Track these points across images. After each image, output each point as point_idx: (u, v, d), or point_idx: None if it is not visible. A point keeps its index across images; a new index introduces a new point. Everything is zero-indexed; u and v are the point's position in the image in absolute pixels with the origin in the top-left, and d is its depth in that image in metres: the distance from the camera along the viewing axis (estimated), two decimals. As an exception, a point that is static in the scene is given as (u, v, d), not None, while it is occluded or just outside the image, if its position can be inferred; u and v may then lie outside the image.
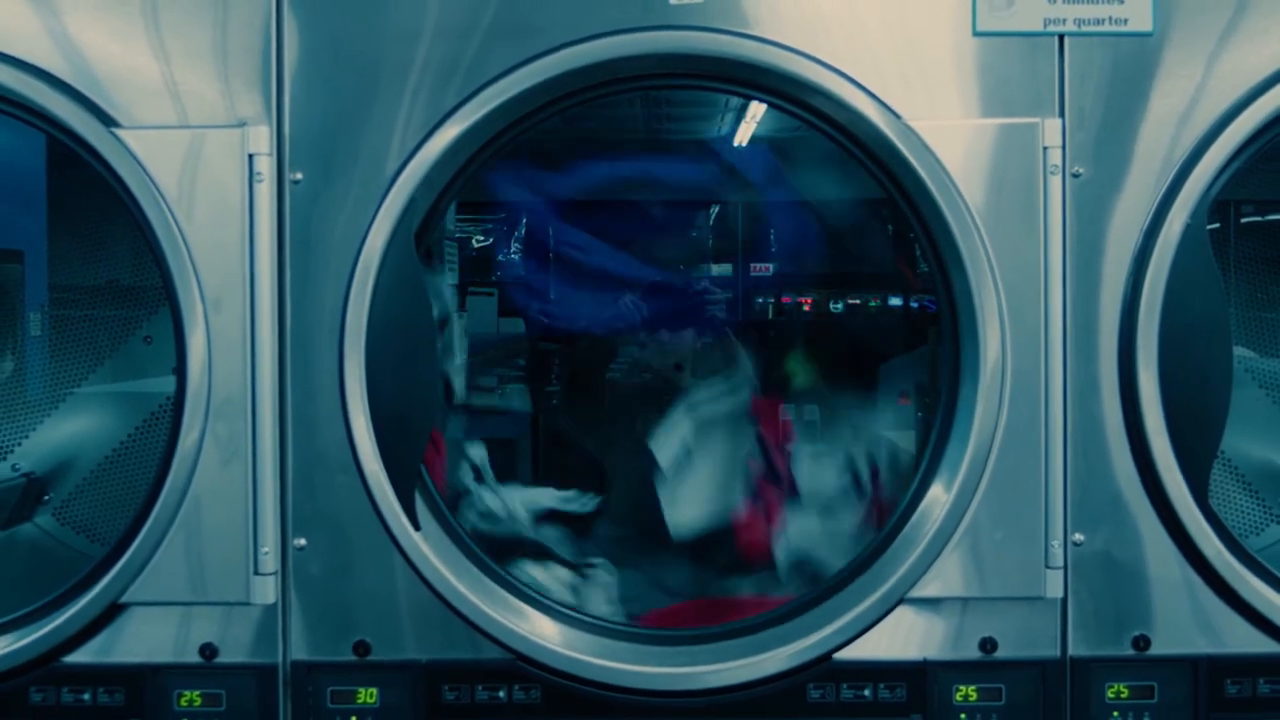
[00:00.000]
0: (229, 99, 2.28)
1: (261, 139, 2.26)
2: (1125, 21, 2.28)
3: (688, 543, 2.86)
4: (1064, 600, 2.31)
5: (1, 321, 3.03)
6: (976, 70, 2.28)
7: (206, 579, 2.28)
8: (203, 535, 2.27)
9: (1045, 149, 2.25)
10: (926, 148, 2.25)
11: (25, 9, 2.28)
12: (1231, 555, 2.28)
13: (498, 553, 2.50)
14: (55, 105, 2.25)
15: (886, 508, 2.72)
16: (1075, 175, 2.28)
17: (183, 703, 2.32)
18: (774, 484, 2.88)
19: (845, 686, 2.33)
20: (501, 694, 2.33)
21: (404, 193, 2.25)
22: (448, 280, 2.98)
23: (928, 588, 2.30)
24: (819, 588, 2.38)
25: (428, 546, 2.29)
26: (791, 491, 2.87)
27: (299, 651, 2.33)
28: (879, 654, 2.33)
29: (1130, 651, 2.32)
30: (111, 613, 2.30)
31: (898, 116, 2.25)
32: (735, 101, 3.58)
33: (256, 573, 2.28)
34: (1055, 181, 2.26)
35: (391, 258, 2.25)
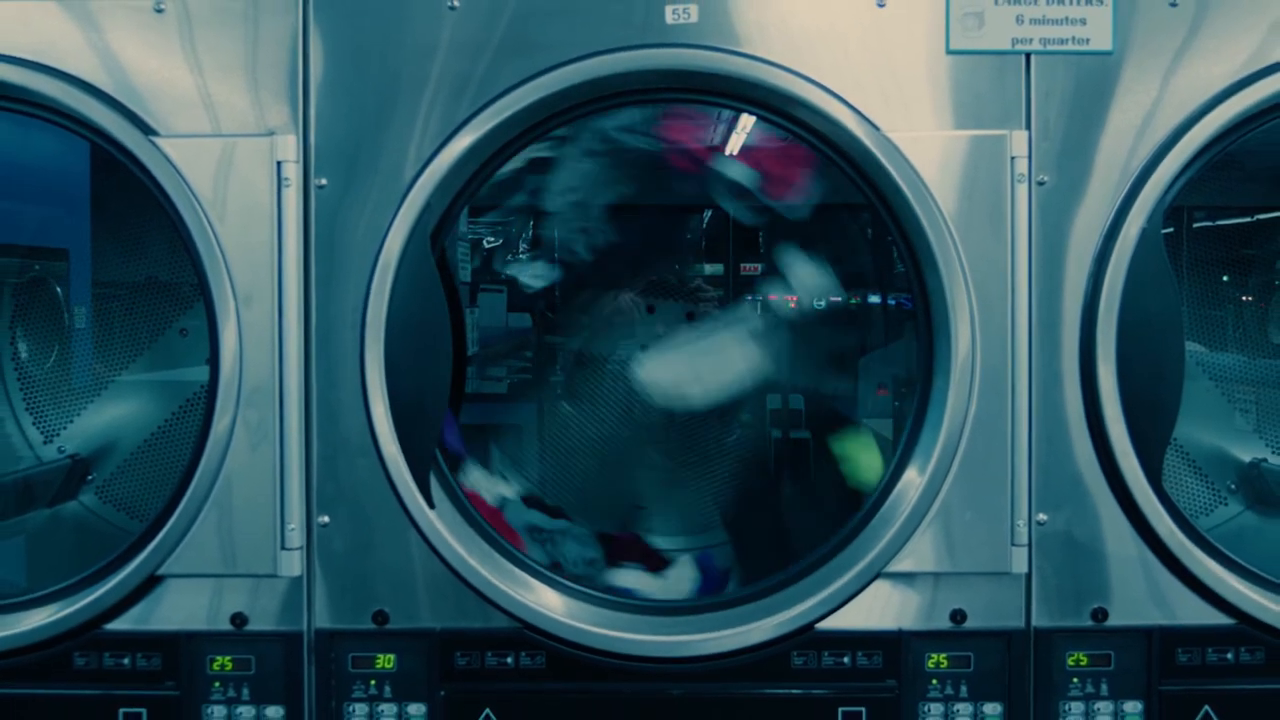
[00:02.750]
0: (259, 110, 2.29)
1: (289, 147, 2.27)
2: (1087, 41, 2.29)
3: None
4: (1028, 575, 2.33)
5: (48, 315, 3.04)
6: (949, 86, 2.29)
7: (237, 553, 2.30)
8: (234, 513, 2.29)
9: (1013, 159, 2.26)
10: (903, 157, 2.26)
11: (71, 26, 2.29)
12: (1183, 534, 2.29)
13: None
14: (98, 115, 2.26)
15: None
16: (1040, 183, 2.29)
17: (215, 667, 2.33)
18: None
19: (826, 654, 2.34)
20: (509, 660, 2.34)
21: (420, 197, 2.25)
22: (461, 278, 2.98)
23: (903, 563, 2.31)
24: (803, 563, 2.40)
25: (441, 524, 2.30)
26: None
27: (322, 620, 2.35)
28: (858, 624, 2.34)
29: (1089, 623, 2.34)
30: (149, 584, 2.32)
31: (876, 128, 2.26)
32: (726, 113, 3.58)
33: (283, 548, 2.29)
34: (1022, 189, 2.27)
35: (409, 258, 2.26)
